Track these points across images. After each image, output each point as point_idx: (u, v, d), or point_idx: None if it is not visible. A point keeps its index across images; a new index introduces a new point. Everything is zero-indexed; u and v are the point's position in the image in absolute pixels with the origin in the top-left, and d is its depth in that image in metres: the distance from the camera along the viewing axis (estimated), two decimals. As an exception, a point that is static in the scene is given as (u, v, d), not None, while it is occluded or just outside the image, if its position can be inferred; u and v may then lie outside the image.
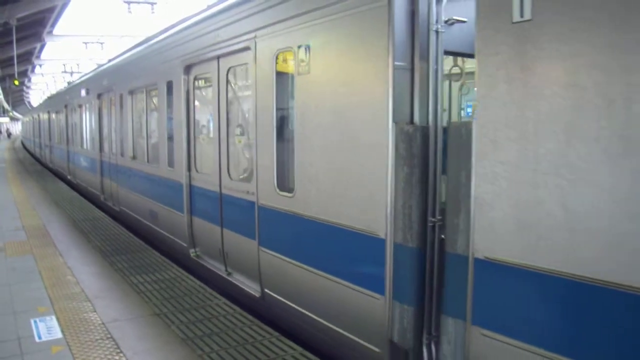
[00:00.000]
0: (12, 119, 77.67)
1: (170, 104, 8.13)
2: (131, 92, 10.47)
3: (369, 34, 4.05)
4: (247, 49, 5.81)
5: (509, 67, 3.13)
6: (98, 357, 4.44)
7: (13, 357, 4.51)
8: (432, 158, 3.86)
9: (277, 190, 5.34)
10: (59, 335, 4.91)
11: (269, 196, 5.49)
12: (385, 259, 4.00)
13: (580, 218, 2.84)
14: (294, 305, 5.19)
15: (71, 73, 34.78)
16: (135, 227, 10.32)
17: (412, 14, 3.92)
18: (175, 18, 9.01)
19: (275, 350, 4.57)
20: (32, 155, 34.78)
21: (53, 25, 25.64)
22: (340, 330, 4.55)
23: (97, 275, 6.84)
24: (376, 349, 4.17)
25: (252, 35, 5.66)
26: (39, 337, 4.87)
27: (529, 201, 3.08)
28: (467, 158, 3.42)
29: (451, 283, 3.68)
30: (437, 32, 3.93)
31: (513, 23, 3.10)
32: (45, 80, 44.14)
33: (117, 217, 11.65)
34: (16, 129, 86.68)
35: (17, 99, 59.96)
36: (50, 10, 21.66)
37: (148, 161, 9.63)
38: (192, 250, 7.60)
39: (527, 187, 3.08)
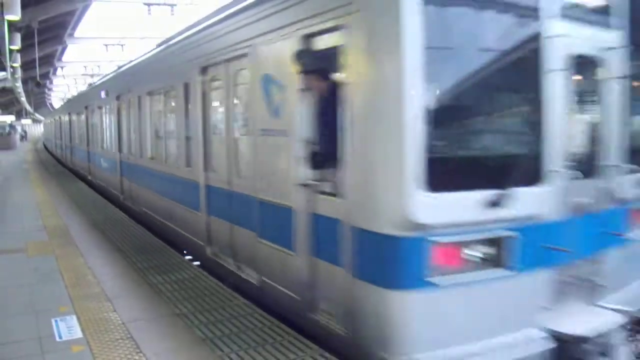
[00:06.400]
0: (34, 120, 78.85)
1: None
2: None
3: None
4: None
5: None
6: (118, 357, 4.44)
7: (34, 356, 4.54)
8: None
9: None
10: (80, 334, 4.93)
11: None
12: None
13: None
14: None
15: (91, 75, 35.15)
16: None
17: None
18: (194, 19, 8.99)
19: (294, 350, 4.52)
20: (54, 156, 35.29)
21: (74, 28, 25.96)
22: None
23: (117, 275, 6.87)
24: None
25: None
26: (60, 337, 4.90)
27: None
28: None
29: None
30: None
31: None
32: (67, 82, 44.74)
33: None
34: (36, 130, 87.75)
35: (38, 101, 60.85)
36: (71, 13, 21.92)
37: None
38: None
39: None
